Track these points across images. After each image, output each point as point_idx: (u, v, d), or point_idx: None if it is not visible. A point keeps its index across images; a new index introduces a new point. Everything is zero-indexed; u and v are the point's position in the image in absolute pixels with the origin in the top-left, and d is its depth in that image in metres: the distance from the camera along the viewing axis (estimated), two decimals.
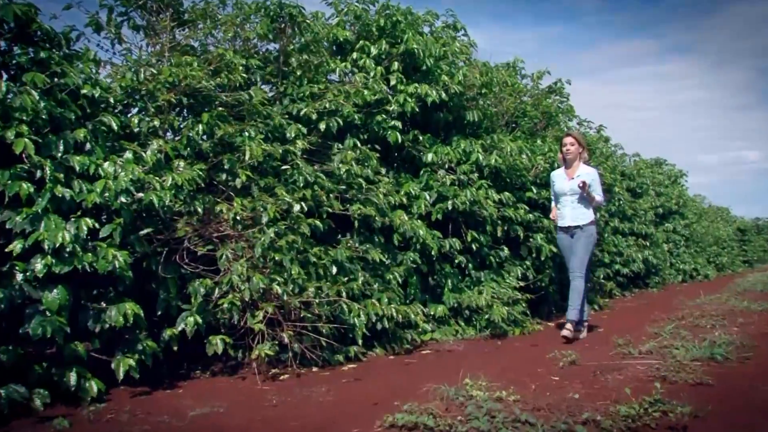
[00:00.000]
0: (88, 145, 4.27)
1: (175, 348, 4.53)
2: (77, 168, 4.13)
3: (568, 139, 6.80)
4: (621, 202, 12.55)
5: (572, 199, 6.68)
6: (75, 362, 3.95)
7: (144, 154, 4.58)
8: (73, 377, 3.90)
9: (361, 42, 7.09)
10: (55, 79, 4.27)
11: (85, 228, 3.96)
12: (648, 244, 13.54)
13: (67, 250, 3.86)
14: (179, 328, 4.50)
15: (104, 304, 4.15)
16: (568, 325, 6.42)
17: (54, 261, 3.83)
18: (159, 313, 4.57)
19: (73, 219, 3.98)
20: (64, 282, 3.88)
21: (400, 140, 6.73)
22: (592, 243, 6.70)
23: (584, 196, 6.60)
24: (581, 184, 6.47)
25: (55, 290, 3.83)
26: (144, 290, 4.59)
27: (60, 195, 3.99)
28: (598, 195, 6.68)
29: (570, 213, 6.70)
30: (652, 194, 15.20)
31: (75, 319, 4.06)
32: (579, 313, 6.54)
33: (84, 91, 4.45)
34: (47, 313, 3.80)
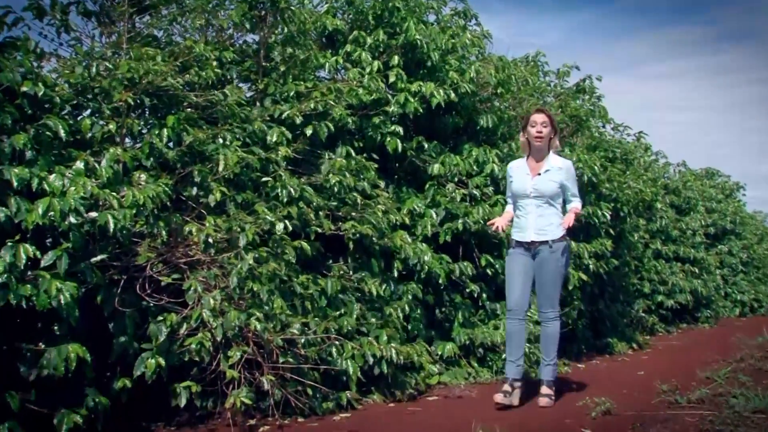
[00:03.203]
0: (28, 154, 4.22)
1: (123, 401, 4.47)
2: (15, 182, 4.05)
3: (539, 117, 5.74)
4: (664, 221, 12.53)
5: (537, 203, 5.65)
6: (6, 417, 3.86)
7: (98, 165, 4.53)
8: None
9: (354, 32, 7.10)
10: None
11: (23, 255, 3.88)
12: (697, 270, 13.50)
13: None
14: (137, 373, 4.43)
15: (42, 346, 4.08)
16: (545, 389, 5.66)
17: None
18: (114, 356, 4.51)
19: (9, 244, 3.91)
20: None
21: (401, 148, 6.72)
22: (565, 267, 5.77)
23: (556, 200, 5.69)
24: (570, 225, 5.56)
25: None
26: (96, 327, 4.53)
27: None
28: (577, 198, 5.81)
29: (534, 223, 5.65)
30: (701, 211, 15.17)
31: (8, 365, 3.98)
32: (554, 371, 5.75)
33: (24, 89, 4.38)
34: None
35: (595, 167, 8.43)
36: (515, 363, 5.55)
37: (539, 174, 5.68)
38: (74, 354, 4.04)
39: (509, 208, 5.99)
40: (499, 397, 5.37)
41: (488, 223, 6.10)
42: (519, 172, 5.79)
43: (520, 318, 5.60)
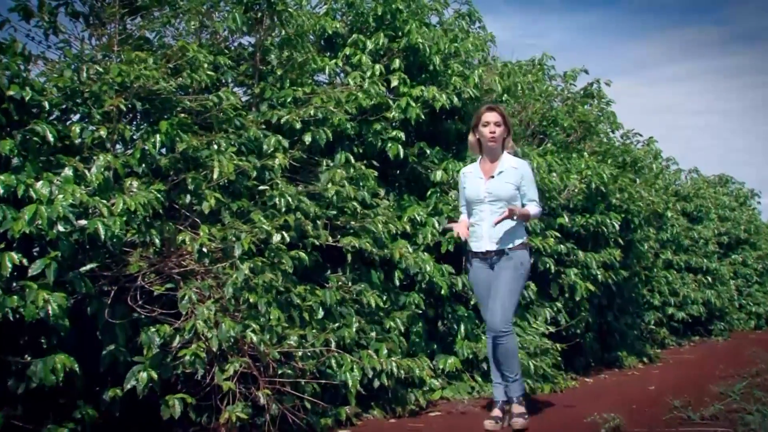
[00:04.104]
0: (15, 161, 4.22)
1: (117, 414, 4.45)
2: (1, 189, 4.06)
3: (492, 116, 5.41)
4: (675, 230, 12.50)
5: (493, 208, 5.34)
6: None
7: (87, 172, 4.52)
8: None
9: (354, 35, 7.10)
10: None
11: (9, 264, 3.87)
12: (710, 281, 13.47)
13: None
14: (128, 386, 4.40)
15: (29, 358, 4.05)
16: (516, 408, 5.29)
17: None
18: (103, 365, 4.48)
19: None
20: None
21: (402, 154, 6.71)
22: (523, 278, 5.40)
23: (514, 204, 5.32)
24: (509, 215, 5.16)
25: None
26: (85, 339, 4.51)
27: None
28: (534, 203, 5.45)
29: (488, 230, 5.36)
30: (714, 219, 15.16)
31: None
32: (521, 386, 5.42)
33: (10, 93, 4.37)
34: None
35: (604, 175, 8.42)
36: (503, 385, 5.37)
37: (493, 176, 5.39)
38: (61, 364, 4.00)
39: (463, 217, 5.69)
40: (490, 425, 5.16)
41: (447, 226, 5.89)
42: (472, 177, 5.54)
43: (507, 332, 5.27)
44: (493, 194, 5.33)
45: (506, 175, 5.35)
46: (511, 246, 5.30)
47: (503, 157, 5.43)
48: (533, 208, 5.39)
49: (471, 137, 5.56)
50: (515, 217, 5.22)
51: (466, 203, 5.58)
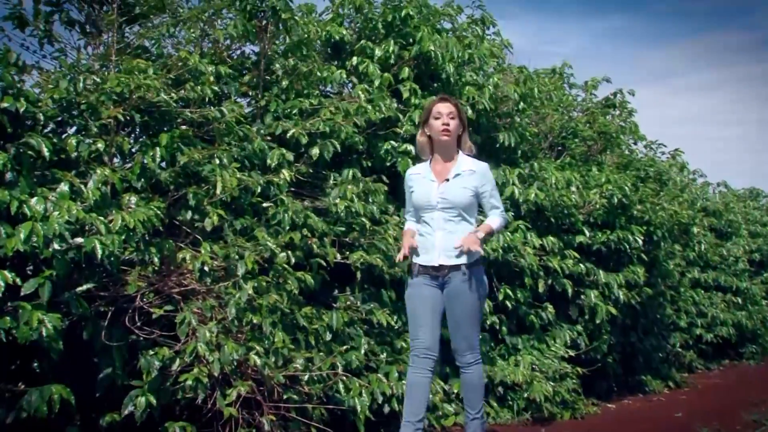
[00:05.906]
0: (9, 175, 4.24)
1: None
2: None
3: (444, 107, 4.83)
4: (703, 246, 12.43)
5: (446, 216, 4.76)
6: None
7: (84, 187, 4.54)
8: None
9: (362, 42, 7.13)
10: None
11: (2, 283, 3.91)
12: (740, 301, 13.37)
13: None
14: (126, 411, 4.41)
15: (22, 386, 4.05)
16: None
17: None
18: (99, 394, 4.49)
19: None
20: None
21: None
22: (484, 298, 4.88)
23: (470, 212, 4.82)
24: (466, 251, 4.60)
25: None
26: (80, 362, 4.52)
27: None
28: (498, 212, 4.90)
29: (442, 242, 4.73)
30: (744, 235, 15.05)
31: None
32: (483, 426, 4.89)
33: (4, 105, 4.40)
34: None
35: (626, 187, 8.40)
36: (414, 424, 4.62)
37: (447, 180, 4.80)
38: (57, 395, 4.01)
39: (410, 225, 5.07)
40: None
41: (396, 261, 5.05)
42: (421, 180, 4.91)
43: (428, 368, 4.73)
44: (447, 200, 4.76)
45: (463, 179, 4.80)
46: (468, 261, 4.69)
47: (459, 157, 4.89)
48: (496, 221, 4.85)
49: (420, 136, 5.00)
50: (481, 237, 4.65)
51: (414, 210, 4.98)
